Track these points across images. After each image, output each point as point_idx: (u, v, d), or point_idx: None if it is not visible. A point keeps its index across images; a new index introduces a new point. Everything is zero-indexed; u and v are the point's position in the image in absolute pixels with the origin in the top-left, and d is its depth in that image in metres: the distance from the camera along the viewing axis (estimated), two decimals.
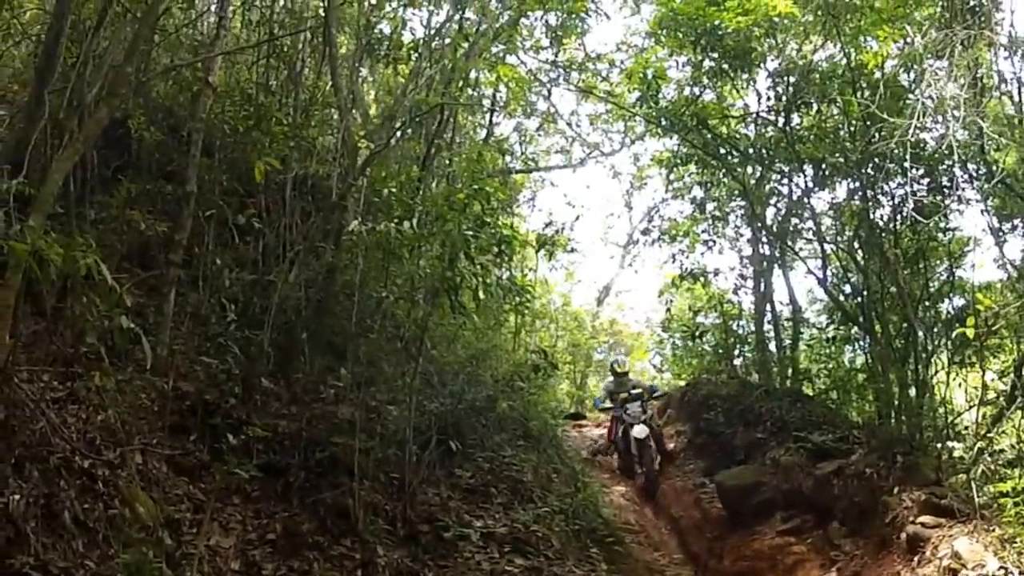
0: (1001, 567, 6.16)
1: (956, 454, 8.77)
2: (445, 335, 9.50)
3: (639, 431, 12.74)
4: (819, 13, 11.75)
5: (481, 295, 8.85)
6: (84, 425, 5.39)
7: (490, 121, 12.41)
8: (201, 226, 7.26)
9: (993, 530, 6.99)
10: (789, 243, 14.02)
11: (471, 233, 7.84)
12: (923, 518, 7.75)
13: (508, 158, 15.24)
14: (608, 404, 13.84)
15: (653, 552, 9.55)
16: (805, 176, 12.85)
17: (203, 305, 6.82)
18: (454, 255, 7.84)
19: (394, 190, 8.07)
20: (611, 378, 14.53)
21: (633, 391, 13.67)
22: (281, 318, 7.49)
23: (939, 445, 9.85)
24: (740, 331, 15.34)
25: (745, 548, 10.04)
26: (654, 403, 14.14)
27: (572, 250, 17.02)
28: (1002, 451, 8.74)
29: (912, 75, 11.60)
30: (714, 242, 15.00)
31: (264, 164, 5.89)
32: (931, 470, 8.99)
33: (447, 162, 11.24)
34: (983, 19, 9.78)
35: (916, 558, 7.30)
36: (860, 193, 12.15)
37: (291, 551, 6.28)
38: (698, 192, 14.88)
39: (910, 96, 11.26)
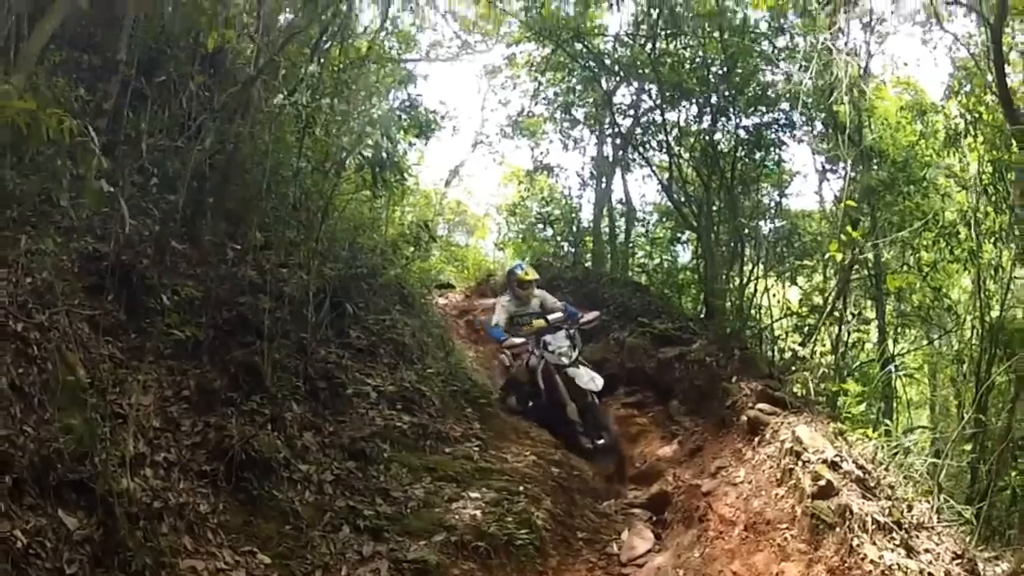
0: (837, 454, 6.19)
1: (789, 355, 9.00)
2: (335, 205, 8.80)
3: (588, 380, 8.72)
4: None
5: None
6: (15, 289, 4.61)
7: (384, 12, 11.50)
8: (123, 95, 6.33)
9: (827, 423, 7.08)
10: (638, 151, 13.73)
11: (400, 114, 7.28)
12: (760, 405, 7.75)
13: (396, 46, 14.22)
14: (516, 339, 9.29)
15: (514, 415, 9.26)
16: (662, 94, 12.55)
17: (122, 169, 5.90)
18: (381, 132, 7.31)
19: (337, 68, 7.34)
20: (508, 296, 9.93)
21: (551, 316, 9.54)
22: (192, 183, 6.70)
23: (771, 345, 10.10)
24: (579, 222, 15.05)
25: None
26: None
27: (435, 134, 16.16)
28: (807, 358, 9.00)
29: (772, 26, 11.66)
30: (568, 141, 14.57)
31: (217, 35, 5.01)
32: (764, 365, 9.16)
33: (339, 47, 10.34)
34: None
35: (757, 439, 7.32)
36: (708, 117, 12.09)
37: (206, 407, 5.80)
38: (560, 96, 14.35)
39: (766, 43, 11.29)
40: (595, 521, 7.35)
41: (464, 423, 8.04)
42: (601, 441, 8.48)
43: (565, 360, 8.83)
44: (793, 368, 9.05)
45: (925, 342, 14.47)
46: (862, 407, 8.48)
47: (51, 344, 4.51)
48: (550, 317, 9.47)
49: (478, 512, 6.36)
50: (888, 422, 8.28)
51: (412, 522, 6.02)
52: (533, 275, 9.92)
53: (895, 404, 12.56)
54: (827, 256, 9.43)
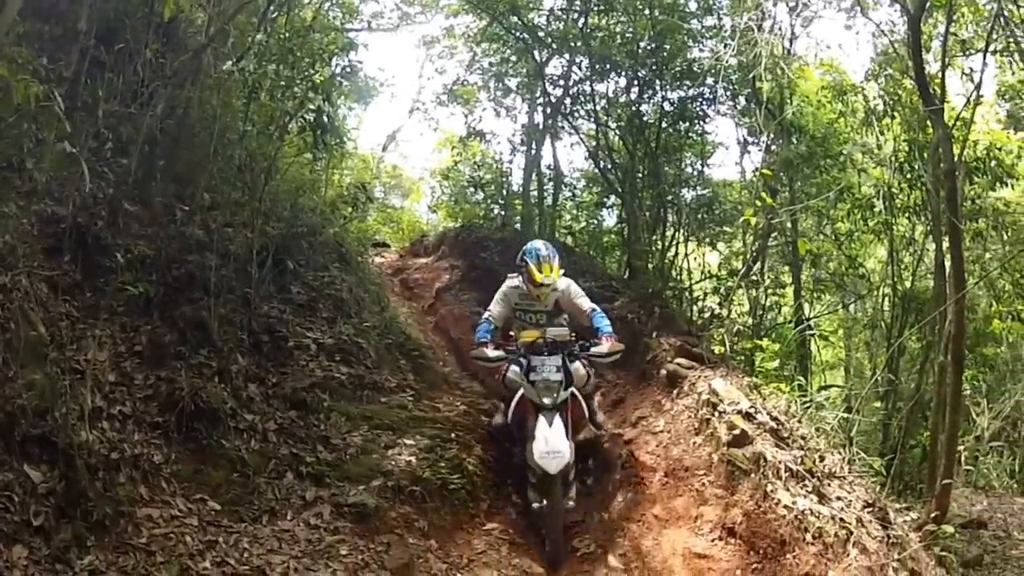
0: (752, 406, 6.42)
1: (708, 314, 9.26)
2: (277, 166, 8.76)
3: (543, 453, 6.07)
4: None
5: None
6: None
7: None
8: (82, 63, 6.23)
9: (742, 377, 7.35)
10: (567, 119, 13.79)
11: (340, 81, 7.28)
12: (679, 360, 7.93)
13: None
14: (489, 350, 6.79)
15: (443, 367, 9.42)
16: (592, 66, 12.66)
17: (80, 135, 5.83)
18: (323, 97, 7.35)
19: (284, 35, 7.30)
20: (516, 281, 7.23)
21: (552, 331, 6.79)
22: (144, 147, 6.65)
23: (691, 305, 10.38)
24: (508, 187, 14.91)
25: None
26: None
27: (375, 100, 15.87)
28: (727, 317, 9.31)
29: (700, 5, 11.87)
30: (500, 109, 14.52)
31: (172, 5, 4.97)
32: (684, 323, 9.37)
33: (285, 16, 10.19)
34: None
35: (675, 391, 7.53)
36: (635, 89, 12.23)
37: (157, 361, 5.81)
38: (494, 66, 14.24)
39: (694, 21, 11.44)
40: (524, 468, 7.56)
41: (398, 374, 8.14)
42: (545, 529, 6.18)
43: (547, 400, 6.21)
44: (711, 326, 9.35)
45: (840, 307, 14.96)
46: (775, 364, 8.76)
47: (14, 304, 4.51)
48: (551, 332, 6.72)
49: (413, 458, 6.53)
50: (802, 380, 8.59)
51: (351, 468, 6.16)
52: (552, 275, 6.89)
53: (810, 364, 13.04)
54: (742, 221, 9.67)
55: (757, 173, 11.20)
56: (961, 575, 6.20)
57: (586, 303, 7.15)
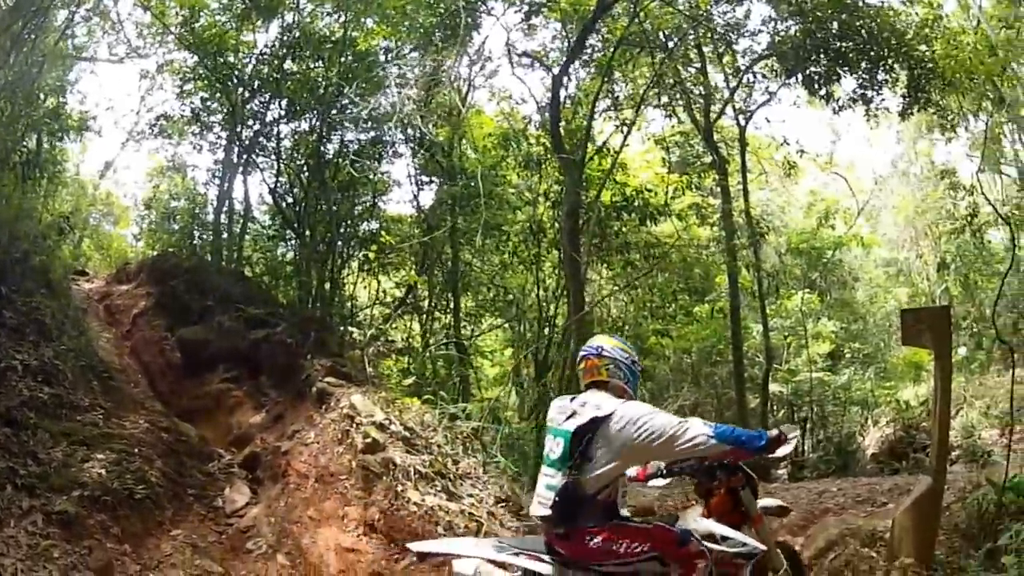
0: (386, 417, 7.41)
1: (356, 336, 10.43)
2: None
3: None
4: None
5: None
6: None
7: (71, 19, 11.48)
8: None
9: (381, 393, 8.42)
10: (255, 156, 14.58)
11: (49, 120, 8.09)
12: (328, 379, 8.96)
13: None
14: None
15: (134, 388, 10.11)
16: (283, 107, 13.73)
17: None
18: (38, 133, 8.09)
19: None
20: None
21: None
22: None
23: (343, 328, 11.64)
24: (203, 218, 15.40)
25: (198, 390, 10.74)
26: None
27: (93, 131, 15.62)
28: (393, 341, 10.58)
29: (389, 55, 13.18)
30: (202, 143, 15.11)
31: None
32: (336, 345, 10.42)
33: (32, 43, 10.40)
34: (463, 35, 11.27)
35: (324, 407, 8.56)
36: (318, 130, 13.46)
37: None
38: (199, 102, 14.74)
39: (382, 71, 12.85)
40: (202, 479, 8.50)
41: (91, 394, 8.79)
42: None
43: None
44: (358, 348, 10.41)
45: (500, 329, 16.44)
46: (411, 380, 9.88)
47: None
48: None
49: (104, 471, 7.37)
50: (444, 395, 9.08)
51: (56, 480, 6.94)
52: None
53: (474, 379, 14.30)
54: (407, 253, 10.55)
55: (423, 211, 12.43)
56: None
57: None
